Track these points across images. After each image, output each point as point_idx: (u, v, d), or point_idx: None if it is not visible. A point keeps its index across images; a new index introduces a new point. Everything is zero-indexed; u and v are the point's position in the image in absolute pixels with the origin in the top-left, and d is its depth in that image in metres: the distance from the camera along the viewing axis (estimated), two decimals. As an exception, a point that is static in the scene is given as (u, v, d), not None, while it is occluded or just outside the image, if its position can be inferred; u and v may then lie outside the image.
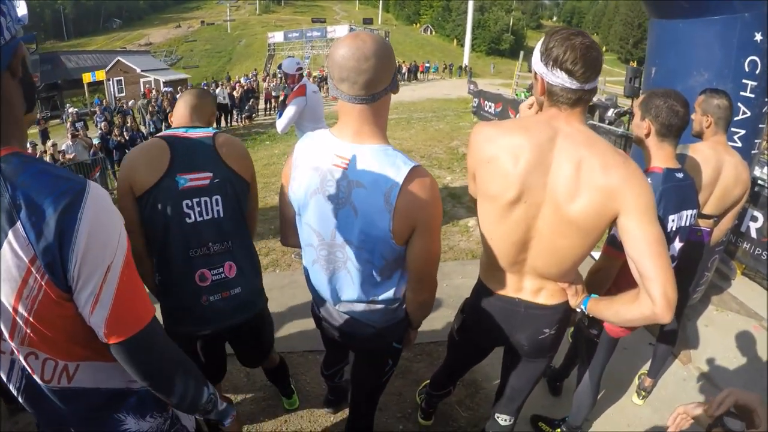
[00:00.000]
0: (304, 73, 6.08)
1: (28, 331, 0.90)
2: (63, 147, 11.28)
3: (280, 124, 4.43)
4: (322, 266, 1.55)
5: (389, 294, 1.55)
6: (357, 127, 1.35)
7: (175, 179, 1.67)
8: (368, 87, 1.27)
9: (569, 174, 1.33)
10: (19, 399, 1.04)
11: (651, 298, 1.28)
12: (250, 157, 1.92)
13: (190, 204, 1.69)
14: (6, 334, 0.91)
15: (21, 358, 0.96)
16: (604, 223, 1.35)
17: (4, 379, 1.01)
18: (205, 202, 1.72)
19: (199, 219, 1.72)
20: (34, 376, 0.99)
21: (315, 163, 1.42)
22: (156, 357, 1.02)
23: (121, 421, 1.10)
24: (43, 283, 0.86)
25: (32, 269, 0.84)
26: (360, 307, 1.58)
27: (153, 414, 1.15)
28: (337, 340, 1.78)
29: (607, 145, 1.36)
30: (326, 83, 1.44)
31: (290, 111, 4.35)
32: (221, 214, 1.76)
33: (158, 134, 1.80)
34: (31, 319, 0.88)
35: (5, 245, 0.82)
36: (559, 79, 1.31)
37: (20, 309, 0.87)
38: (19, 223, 0.82)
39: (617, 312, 1.43)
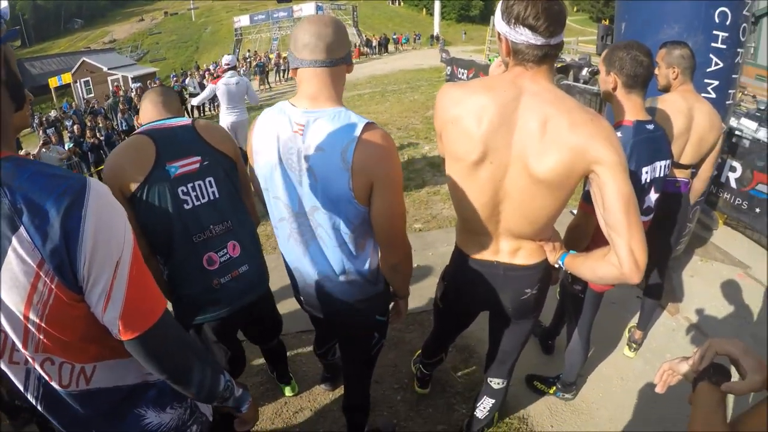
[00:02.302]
0: (239, 67, 8.23)
1: (42, 337, 0.88)
2: (34, 153, 10.96)
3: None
4: (296, 240, 1.55)
5: (365, 265, 1.55)
6: (315, 92, 1.37)
7: (166, 169, 1.65)
8: (329, 51, 1.34)
9: (535, 133, 1.30)
10: (38, 407, 1.02)
11: (619, 258, 1.26)
12: (232, 138, 1.94)
13: (185, 190, 1.69)
14: (19, 344, 0.89)
15: (36, 366, 0.93)
16: (574, 180, 1.33)
17: (21, 389, 0.99)
18: (200, 185, 1.72)
19: (196, 203, 1.71)
20: (52, 383, 0.96)
21: (275, 134, 1.42)
22: (172, 349, 1.00)
23: (142, 416, 1.09)
24: (53, 287, 0.83)
25: (41, 273, 0.82)
26: (337, 280, 1.58)
27: (173, 405, 1.14)
28: (321, 319, 1.78)
29: (574, 102, 1.33)
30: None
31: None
32: (217, 195, 1.76)
33: (137, 131, 1.76)
34: (43, 324, 0.86)
35: (10, 252, 0.79)
36: (523, 36, 1.27)
37: (31, 316, 0.84)
38: (22, 228, 0.79)
39: (593, 269, 1.41)
